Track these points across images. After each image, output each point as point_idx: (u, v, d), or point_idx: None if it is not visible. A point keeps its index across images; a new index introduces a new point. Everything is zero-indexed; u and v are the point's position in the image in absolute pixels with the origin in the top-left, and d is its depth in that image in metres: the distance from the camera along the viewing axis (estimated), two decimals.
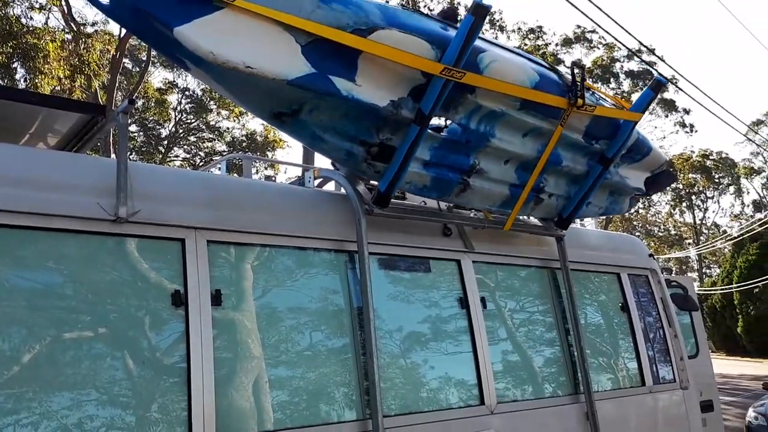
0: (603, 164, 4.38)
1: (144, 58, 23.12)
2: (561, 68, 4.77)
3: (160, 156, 26.14)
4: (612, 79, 38.83)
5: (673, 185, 49.89)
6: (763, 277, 32.20)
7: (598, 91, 4.52)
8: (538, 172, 4.10)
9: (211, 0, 2.71)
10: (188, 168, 25.07)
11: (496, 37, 28.54)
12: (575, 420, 4.30)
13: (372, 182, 3.79)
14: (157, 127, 27.33)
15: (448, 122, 3.71)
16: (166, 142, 27.48)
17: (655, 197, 50.00)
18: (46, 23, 16.67)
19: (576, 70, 3.98)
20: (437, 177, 3.70)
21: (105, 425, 2.59)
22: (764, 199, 47.91)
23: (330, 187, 4.36)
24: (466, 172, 3.80)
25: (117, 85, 18.03)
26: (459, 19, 3.69)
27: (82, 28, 17.82)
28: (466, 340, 3.93)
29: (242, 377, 3.03)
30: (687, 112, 40.81)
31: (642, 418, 4.92)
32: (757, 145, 44.02)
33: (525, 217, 4.62)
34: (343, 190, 3.79)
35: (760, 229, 38.22)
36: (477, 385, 3.87)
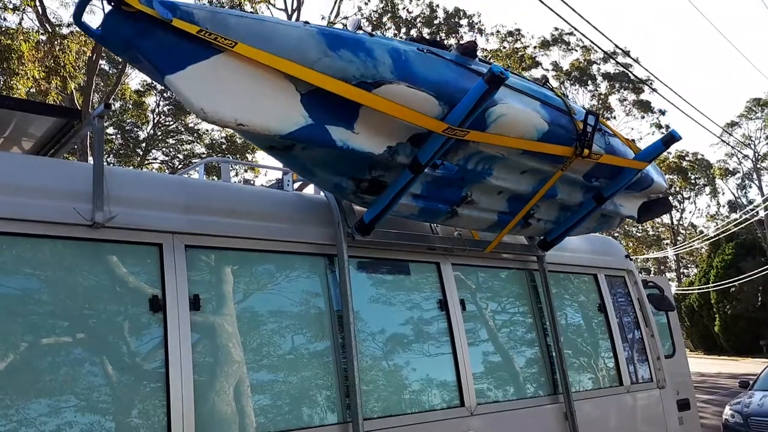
0: (598, 201, 4.37)
1: (121, 60, 22.88)
2: (577, 100, 4.63)
3: (138, 159, 25.87)
4: (589, 81, 39.23)
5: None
6: (739, 277, 32.73)
7: (608, 128, 4.30)
8: (531, 205, 4.09)
9: (210, 44, 2.54)
10: (166, 171, 24.86)
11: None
12: (554, 420, 4.34)
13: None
14: (135, 129, 27.05)
15: (445, 162, 3.55)
16: (144, 144, 27.21)
17: None
18: (20, 24, 16.41)
19: (590, 118, 3.85)
20: (426, 207, 3.67)
21: (83, 431, 2.56)
22: (739, 200, 48.70)
23: (309, 189, 4.36)
24: (456, 203, 3.78)
25: (93, 87, 17.79)
26: (477, 55, 3.63)
27: (57, 29, 17.58)
28: (445, 342, 3.95)
29: (222, 382, 3.02)
30: (662, 113, 41.33)
31: (620, 417, 4.97)
32: (731, 146, 44.78)
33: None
34: (322, 193, 3.79)
35: (735, 229, 38.85)
36: (457, 386, 3.89)
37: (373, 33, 3.98)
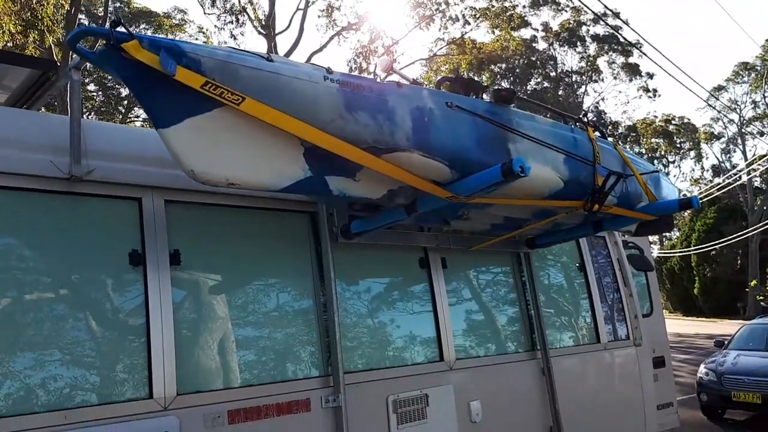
0: (596, 229, 4.32)
1: (101, 14, 22.34)
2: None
3: (120, 116, 25.47)
4: (578, 43, 38.94)
5: (636, 150, 50.73)
6: (720, 240, 33.20)
7: (629, 167, 4.04)
8: (528, 229, 4.04)
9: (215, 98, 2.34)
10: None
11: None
12: (531, 375, 4.44)
13: None
14: (117, 86, 26.54)
15: None
16: (126, 102, 26.76)
17: None
18: None
19: (610, 179, 3.66)
20: (419, 222, 3.63)
21: (65, 385, 2.58)
22: (723, 164, 49.08)
23: None
24: (451, 219, 3.75)
25: None
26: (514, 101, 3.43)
27: None
28: (426, 299, 4.00)
29: (202, 336, 3.04)
30: (650, 76, 41.19)
31: (596, 373, 5.09)
32: (717, 110, 44.89)
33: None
34: None
35: (718, 193, 39.23)
36: (437, 342, 3.96)
37: (403, 78, 3.81)
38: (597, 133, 4.04)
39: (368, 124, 2.70)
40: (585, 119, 4.03)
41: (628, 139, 49.15)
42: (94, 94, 25.13)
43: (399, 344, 3.82)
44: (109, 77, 25.39)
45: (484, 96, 3.45)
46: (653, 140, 49.53)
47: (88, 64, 2.68)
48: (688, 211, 44.08)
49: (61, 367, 2.60)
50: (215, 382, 3.02)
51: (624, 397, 5.25)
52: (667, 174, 54.00)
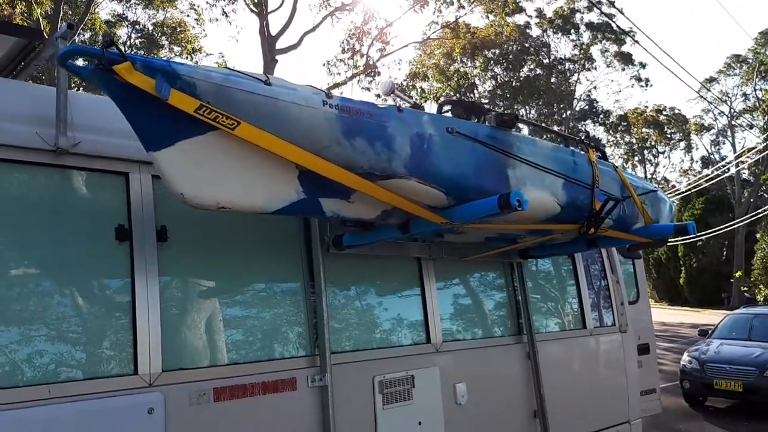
0: (590, 246, 4.32)
1: None
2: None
3: None
4: (572, 30, 38.86)
5: (627, 139, 50.88)
6: (706, 231, 33.45)
7: (628, 190, 4.02)
8: (522, 244, 4.03)
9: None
10: None
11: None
12: (517, 359, 4.46)
13: None
14: None
15: None
16: None
17: (608, 150, 50.97)
18: None
19: (609, 203, 3.68)
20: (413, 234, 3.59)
21: (49, 360, 2.56)
22: (712, 156, 49.36)
23: None
24: (445, 233, 3.73)
25: (61, 15, 17.11)
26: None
27: None
28: (413, 281, 4.00)
29: (188, 313, 3.02)
30: (643, 66, 41.28)
31: (582, 358, 5.13)
32: (708, 102, 45.05)
33: None
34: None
35: (706, 184, 39.49)
36: (424, 325, 3.97)
37: (407, 99, 3.66)
38: (598, 154, 4.05)
39: (366, 151, 2.66)
40: (587, 141, 4.02)
41: (619, 129, 49.31)
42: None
43: (386, 326, 3.82)
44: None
45: (487, 119, 3.42)
46: (644, 130, 49.71)
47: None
48: (676, 201, 44.40)
49: (45, 341, 2.57)
50: (201, 360, 3.00)
51: (608, 382, 5.30)
52: (657, 164, 54.31)
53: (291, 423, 3.21)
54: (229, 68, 2.51)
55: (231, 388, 3.00)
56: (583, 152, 3.89)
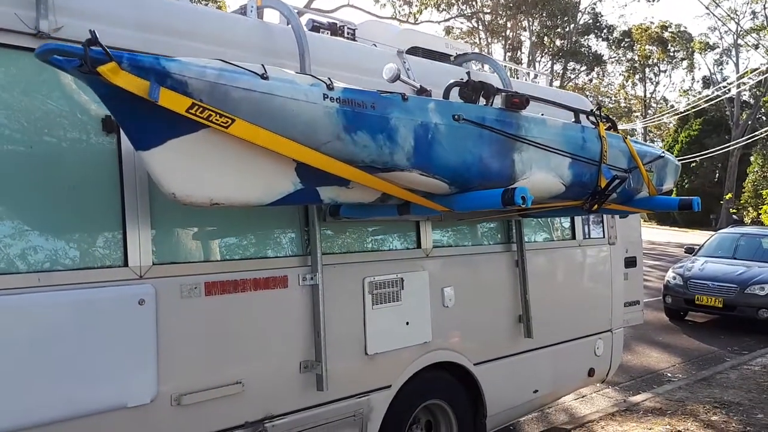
0: (589, 212, 4.22)
1: None
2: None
3: None
4: None
5: (629, 56, 49.83)
6: (701, 152, 33.48)
7: (636, 162, 4.02)
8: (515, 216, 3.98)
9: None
10: None
11: None
12: (505, 267, 4.53)
13: None
14: None
15: None
16: None
17: (609, 68, 50.04)
18: None
19: (614, 182, 3.67)
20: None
21: (38, 250, 2.54)
22: (714, 76, 48.48)
23: (272, 17, 4.10)
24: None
25: None
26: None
27: None
28: None
29: (180, 208, 2.95)
30: None
31: (569, 268, 5.22)
32: (717, 18, 43.82)
33: None
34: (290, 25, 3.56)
35: (705, 105, 39.11)
36: (415, 231, 4.00)
37: (413, 84, 3.54)
38: (608, 125, 4.00)
39: (367, 145, 2.60)
40: (598, 114, 3.93)
41: (622, 45, 48.18)
42: None
43: (378, 233, 3.83)
44: None
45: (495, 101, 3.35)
46: (647, 47, 48.59)
47: None
48: (674, 121, 44.13)
49: (34, 232, 2.55)
50: (193, 255, 3.01)
51: (594, 291, 5.42)
52: (657, 83, 53.43)
53: (281, 318, 3.27)
54: (223, 61, 2.38)
55: (222, 283, 3.03)
56: (593, 126, 3.83)
